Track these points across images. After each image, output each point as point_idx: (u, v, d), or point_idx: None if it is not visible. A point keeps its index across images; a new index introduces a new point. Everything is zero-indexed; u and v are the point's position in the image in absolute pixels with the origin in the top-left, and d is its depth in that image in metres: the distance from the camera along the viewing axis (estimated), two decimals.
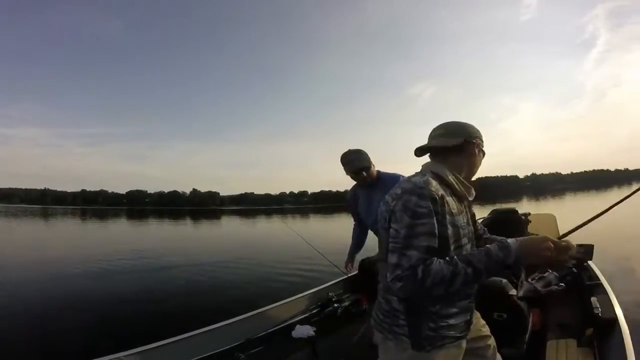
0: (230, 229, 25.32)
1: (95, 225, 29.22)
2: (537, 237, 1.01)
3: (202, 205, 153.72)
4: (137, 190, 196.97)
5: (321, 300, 3.18)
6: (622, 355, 1.52)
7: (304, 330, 2.70)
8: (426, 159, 1.23)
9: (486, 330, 1.33)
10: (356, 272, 3.30)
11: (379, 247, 1.19)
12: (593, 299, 2.10)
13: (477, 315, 1.29)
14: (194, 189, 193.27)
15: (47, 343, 3.84)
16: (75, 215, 49.46)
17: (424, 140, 1.22)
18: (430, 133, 1.22)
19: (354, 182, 2.39)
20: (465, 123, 1.21)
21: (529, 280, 2.33)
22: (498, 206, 3.55)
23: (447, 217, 1.05)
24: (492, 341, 1.31)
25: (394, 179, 2.13)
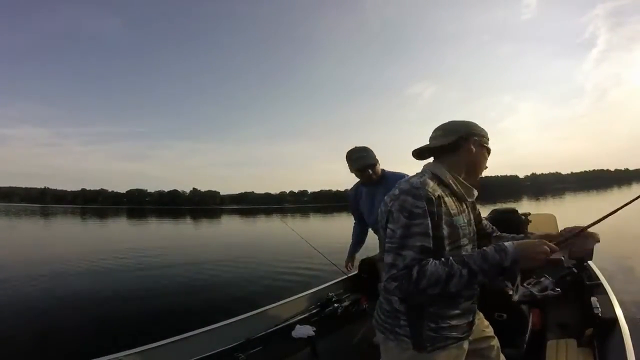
0: (230, 228, 25.30)
1: (95, 225, 29.20)
2: (534, 241, 1.01)
3: (202, 204, 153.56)
4: (137, 189, 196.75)
5: (321, 300, 3.18)
6: (622, 355, 1.52)
7: (304, 330, 2.70)
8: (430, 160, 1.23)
9: (490, 331, 1.32)
10: (356, 271, 3.30)
11: (380, 247, 1.19)
12: (593, 299, 2.11)
13: (480, 316, 1.29)
14: (194, 188, 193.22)
15: (47, 342, 3.84)
16: (76, 214, 49.47)
17: (424, 140, 1.22)
18: (430, 135, 1.22)
19: (355, 181, 2.38)
20: (463, 121, 1.20)
21: (525, 285, 2.33)
22: (498, 206, 3.54)
23: (444, 217, 1.04)
24: (495, 342, 1.31)
25: (398, 178, 2.12)
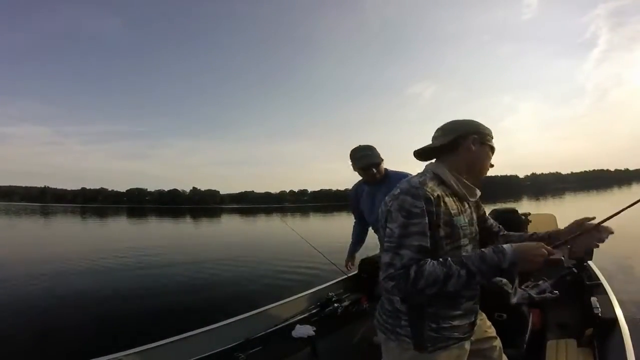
0: (230, 228, 25.32)
1: (95, 224, 29.21)
2: (532, 244, 1.01)
3: (202, 204, 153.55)
4: (137, 189, 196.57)
5: (321, 300, 3.18)
6: (622, 355, 1.52)
7: (304, 330, 2.70)
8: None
9: (492, 331, 1.32)
10: (356, 271, 3.30)
11: (380, 246, 1.19)
12: (593, 299, 2.11)
13: (482, 316, 1.29)
14: (194, 187, 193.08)
15: (47, 342, 3.84)
16: (76, 213, 49.50)
17: (424, 140, 1.22)
18: (432, 135, 1.22)
19: (357, 180, 2.36)
20: (464, 120, 1.20)
21: (523, 287, 2.33)
22: (498, 206, 3.54)
23: (443, 217, 1.04)
24: (498, 342, 1.30)
25: (401, 177, 2.10)
